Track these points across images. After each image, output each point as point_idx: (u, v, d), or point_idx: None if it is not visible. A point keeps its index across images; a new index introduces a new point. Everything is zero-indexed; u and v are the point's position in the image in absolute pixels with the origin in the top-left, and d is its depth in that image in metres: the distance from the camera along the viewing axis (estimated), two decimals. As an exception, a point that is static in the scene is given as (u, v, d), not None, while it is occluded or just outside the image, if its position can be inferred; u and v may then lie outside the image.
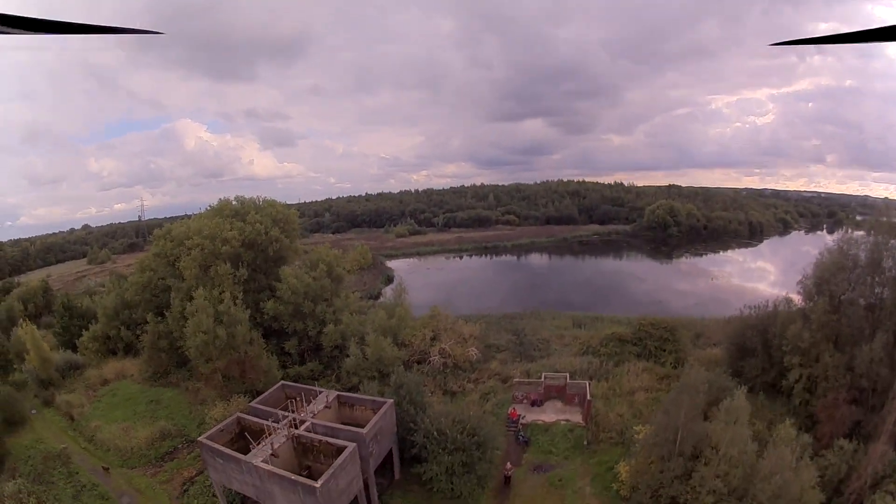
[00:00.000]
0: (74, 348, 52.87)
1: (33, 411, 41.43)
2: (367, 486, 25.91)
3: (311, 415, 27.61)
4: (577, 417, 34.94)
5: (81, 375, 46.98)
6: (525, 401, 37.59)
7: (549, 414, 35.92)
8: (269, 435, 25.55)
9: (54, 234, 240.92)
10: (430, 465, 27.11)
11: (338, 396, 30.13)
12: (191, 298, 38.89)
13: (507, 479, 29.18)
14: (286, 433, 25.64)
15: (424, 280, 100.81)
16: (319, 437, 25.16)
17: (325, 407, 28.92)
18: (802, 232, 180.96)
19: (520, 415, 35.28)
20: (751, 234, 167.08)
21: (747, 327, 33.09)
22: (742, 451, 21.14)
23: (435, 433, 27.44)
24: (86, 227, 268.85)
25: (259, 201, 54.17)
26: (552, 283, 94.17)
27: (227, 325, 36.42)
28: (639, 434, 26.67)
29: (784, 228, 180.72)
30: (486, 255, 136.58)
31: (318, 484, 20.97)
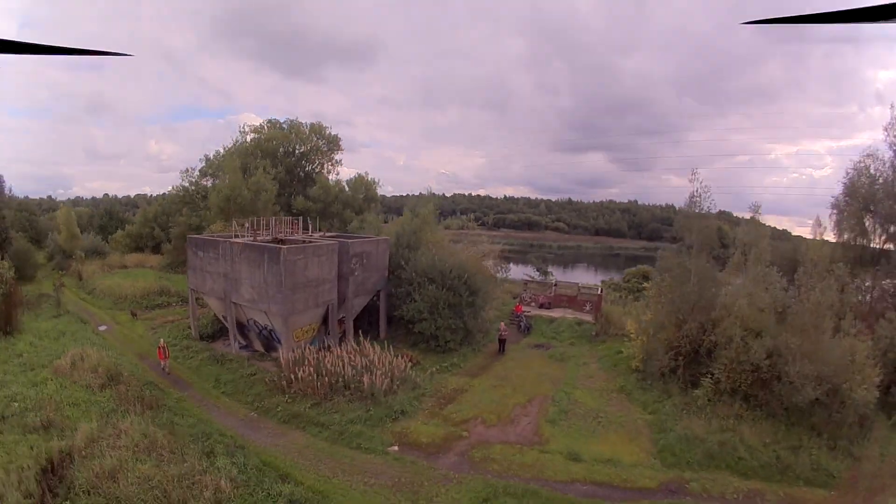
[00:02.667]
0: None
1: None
2: (344, 333, 23.44)
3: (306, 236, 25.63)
4: (587, 318, 30.94)
5: (104, 260, 46.90)
6: (533, 303, 33.89)
7: (557, 313, 32.10)
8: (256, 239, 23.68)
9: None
10: (414, 303, 24.24)
11: (337, 236, 28.02)
12: None
13: (502, 345, 25.76)
14: (272, 238, 23.70)
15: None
16: (303, 239, 23.03)
17: (321, 236, 26.86)
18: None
19: (525, 311, 31.72)
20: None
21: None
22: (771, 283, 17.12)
23: (424, 265, 24.67)
24: (139, 196, 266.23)
25: (306, 125, 53.84)
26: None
27: (253, 191, 35.41)
28: (647, 290, 22.67)
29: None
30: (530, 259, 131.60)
31: (284, 246, 18.78)
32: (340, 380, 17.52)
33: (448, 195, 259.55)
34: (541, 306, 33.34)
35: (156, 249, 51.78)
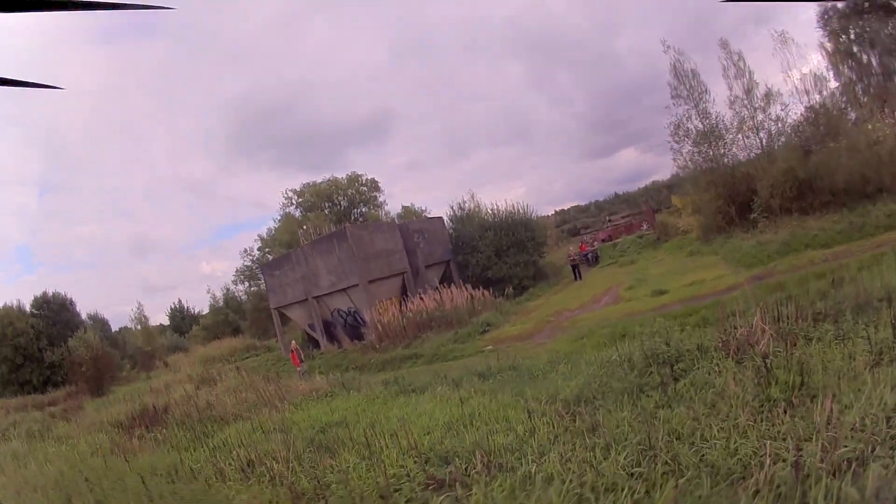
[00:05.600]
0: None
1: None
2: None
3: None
4: (647, 233, 29.95)
5: (186, 354, 43.45)
6: (595, 242, 33.23)
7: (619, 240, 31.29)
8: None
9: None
10: (479, 253, 24.55)
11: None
12: None
13: (576, 270, 25.31)
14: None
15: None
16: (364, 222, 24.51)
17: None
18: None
19: (589, 248, 31.11)
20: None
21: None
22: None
23: (479, 220, 25.33)
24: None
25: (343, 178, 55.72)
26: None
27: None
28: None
29: None
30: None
31: (348, 225, 20.29)
32: (424, 314, 18.08)
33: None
34: (602, 241, 32.69)
35: (235, 333, 46.81)
